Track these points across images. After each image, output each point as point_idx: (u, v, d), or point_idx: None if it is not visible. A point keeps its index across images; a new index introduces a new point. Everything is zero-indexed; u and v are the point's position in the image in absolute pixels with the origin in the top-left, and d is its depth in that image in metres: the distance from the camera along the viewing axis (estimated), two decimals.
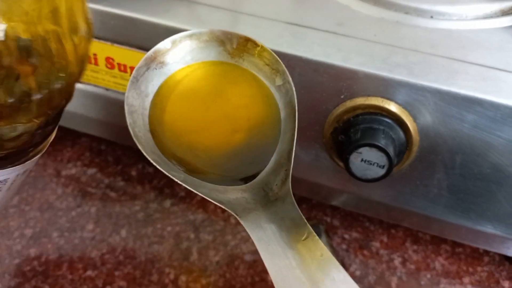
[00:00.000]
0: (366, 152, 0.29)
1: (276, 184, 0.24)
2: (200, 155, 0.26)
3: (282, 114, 0.27)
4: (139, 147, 0.24)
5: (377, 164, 0.29)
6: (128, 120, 0.25)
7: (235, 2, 0.36)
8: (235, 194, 0.24)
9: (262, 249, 0.21)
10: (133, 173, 0.44)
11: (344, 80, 0.30)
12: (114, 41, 0.36)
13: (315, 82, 0.31)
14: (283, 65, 0.27)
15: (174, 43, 0.28)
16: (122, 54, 0.37)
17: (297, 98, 0.26)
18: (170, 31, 0.28)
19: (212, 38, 0.28)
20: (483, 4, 0.34)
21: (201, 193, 0.24)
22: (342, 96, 0.31)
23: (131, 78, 0.26)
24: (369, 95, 0.30)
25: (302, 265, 0.20)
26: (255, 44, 0.28)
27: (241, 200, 0.24)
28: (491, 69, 0.30)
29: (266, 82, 0.28)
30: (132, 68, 0.36)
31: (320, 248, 0.20)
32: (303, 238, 0.21)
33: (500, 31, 0.33)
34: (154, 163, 0.24)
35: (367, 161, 0.29)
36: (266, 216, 0.22)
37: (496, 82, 0.29)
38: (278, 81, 0.27)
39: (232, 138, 0.27)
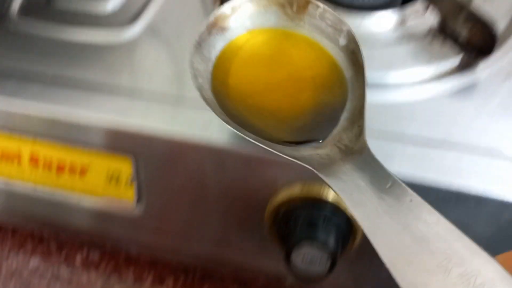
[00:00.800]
0: (306, 249, 0.25)
1: (350, 140, 0.23)
2: (267, 118, 0.25)
3: (349, 73, 0.26)
4: (210, 108, 0.24)
5: (319, 260, 0.26)
6: (195, 84, 0.24)
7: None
8: (308, 151, 0.23)
9: (346, 198, 0.19)
10: (78, 259, 0.39)
11: (278, 169, 0.28)
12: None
13: (249, 173, 0.28)
14: (348, 25, 0.26)
15: (233, 9, 0.27)
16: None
17: (233, 190, 0.26)
18: None
19: (271, 2, 0.28)
20: (418, 68, 0.30)
21: (276, 150, 0.23)
22: (277, 186, 0.28)
23: (194, 43, 0.26)
24: (306, 183, 0.27)
25: (390, 211, 0.18)
26: (317, 6, 0.27)
27: (315, 157, 0.22)
28: (430, 144, 0.27)
29: (330, 43, 0.27)
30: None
31: (409, 194, 0.19)
32: (388, 186, 0.20)
33: (438, 97, 0.29)
34: (225, 123, 0.23)
35: (308, 258, 0.26)
36: (345, 169, 0.21)
37: (435, 160, 0.26)
38: (342, 41, 0.26)
39: (299, 99, 0.25)
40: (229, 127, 0.23)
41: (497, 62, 0.31)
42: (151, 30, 0.34)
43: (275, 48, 0.27)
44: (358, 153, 0.22)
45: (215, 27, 0.27)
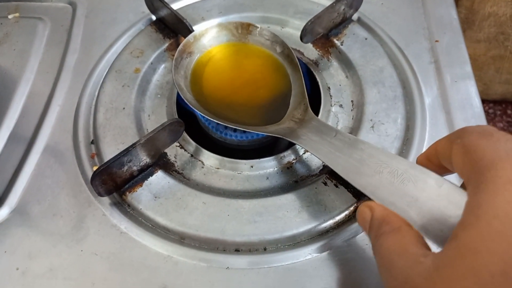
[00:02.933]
0: None
1: (301, 114, 0.33)
2: (239, 111, 0.34)
3: (288, 70, 0.36)
4: (198, 112, 0.32)
5: None
6: (181, 93, 0.33)
7: None
8: (273, 127, 0.33)
9: (309, 148, 0.30)
10: None
11: None
12: None
13: None
14: (280, 37, 0.37)
15: (195, 37, 0.36)
16: None
17: None
18: None
19: (222, 28, 0.37)
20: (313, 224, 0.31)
21: (251, 130, 0.32)
22: None
23: (173, 66, 0.34)
24: None
25: (338, 149, 0.28)
26: (255, 27, 0.37)
27: (280, 130, 0.32)
28: None
29: (270, 51, 0.37)
30: None
31: (347, 136, 0.29)
32: (334, 135, 0.30)
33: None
34: (212, 119, 0.32)
35: None
36: (302, 132, 0.31)
37: None
38: (279, 49, 0.37)
39: (257, 94, 0.35)
40: (216, 121, 0.32)
41: None
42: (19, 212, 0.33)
43: (231, 61, 0.37)
44: (308, 121, 0.32)
45: (184, 53, 0.36)
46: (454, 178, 0.26)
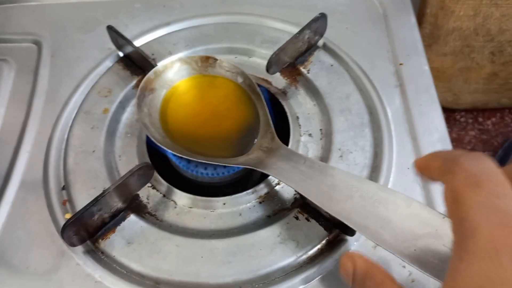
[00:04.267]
0: None
1: (268, 143, 0.33)
2: (207, 145, 0.34)
3: (254, 99, 0.36)
4: (165, 148, 0.32)
5: None
6: (148, 132, 0.33)
7: None
8: (243, 158, 0.33)
9: (280, 178, 0.30)
10: None
11: None
12: None
13: None
14: (240, 68, 0.37)
15: (156, 73, 0.36)
16: None
17: None
18: None
19: (182, 63, 0.37)
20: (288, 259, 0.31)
21: (221, 163, 0.32)
22: None
23: (136, 104, 0.34)
24: None
25: (309, 176, 0.29)
26: (214, 59, 0.37)
27: (249, 160, 0.32)
28: None
29: (233, 81, 0.37)
30: None
31: (316, 163, 0.30)
32: (303, 162, 0.30)
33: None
34: (181, 155, 0.32)
35: None
36: (272, 161, 0.31)
37: None
38: (240, 79, 0.37)
39: (224, 125, 0.35)
40: (185, 156, 0.32)
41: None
42: None
43: (194, 95, 0.37)
44: (276, 150, 0.32)
45: (146, 90, 0.36)
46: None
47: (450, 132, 0.55)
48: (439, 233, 0.23)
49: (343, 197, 0.27)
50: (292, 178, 0.30)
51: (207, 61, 0.37)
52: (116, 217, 0.33)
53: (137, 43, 0.43)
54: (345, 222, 0.26)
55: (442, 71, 0.51)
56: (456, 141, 0.54)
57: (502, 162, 0.51)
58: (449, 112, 0.56)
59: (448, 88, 0.53)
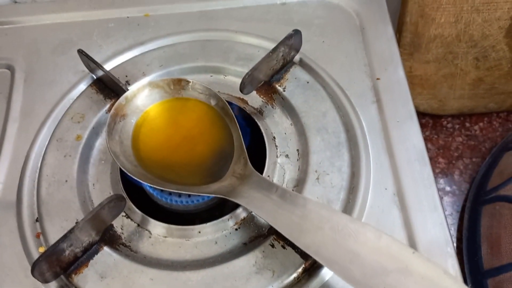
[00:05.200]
0: None
1: (241, 169, 0.33)
2: (180, 171, 0.34)
3: (227, 122, 0.36)
4: (135, 177, 0.31)
5: None
6: (118, 162, 0.32)
7: None
8: (216, 186, 0.32)
9: (251, 207, 0.29)
10: None
11: None
12: None
13: None
14: (213, 90, 0.36)
15: (127, 98, 0.35)
16: None
17: None
18: None
19: (153, 87, 0.36)
20: None
21: (193, 192, 0.32)
22: None
23: (106, 133, 0.33)
24: None
25: (280, 205, 0.28)
26: (187, 81, 0.36)
27: (222, 188, 0.32)
28: None
29: (206, 103, 0.37)
30: None
31: (288, 192, 0.29)
32: (275, 191, 0.30)
33: None
34: (152, 185, 0.31)
35: None
36: (244, 189, 0.31)
37: None
38: (213, 102, 0.36)
39: (197, 151, 0.35)
40: (156, 187, 0.31)
41: None
42: None
43: (166, 119, 0.36)
44: (249, 177, 0.32)
45: (117, 116, 0.35)
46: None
47: (436, 139, 0.54)
48: (409, 269, 0.23)
49: (313, 228, 0.26)
50: (263, 208, 0.29)
51: (180, 83, 0.37)
52: (89, 251, 0.32)
53: (111, 64, 0.43)
54: (315, 258, 0.25)
55: (426, 79, 0.50)
56: (443, 148, 0.53)
57: (490, 168, 0.50)
58: (435, 118, 0.55)
59: (433, 95, 0.52)
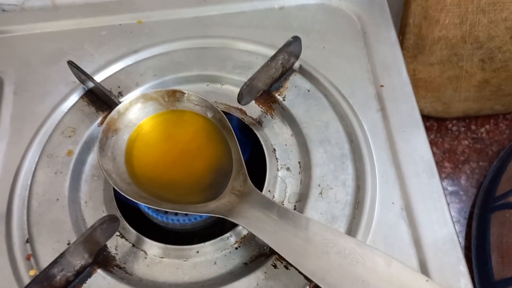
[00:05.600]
0: None
1: (240, 186, 0.31)
2: (176, 189, 0.32)
3: (225, 134, 0.34)
4: (129, 197, 0.30)
5: None
6: (110, 181, 0.30)
7: None
8: (214, 204, 0.31)
9: (251, 229, 0.27)
10: None
11: None
12: None
13: None
14: (209, 101, 0.34)
15: (119, 112, 0.34)
16: None
17: None
18: None
19: (147, 99, 0.35)
20: None
21: (190, 211, 0.30)
22: None
23: (98, 149, 0.32)
24: None
25: (282, 227, 0.27)
26: (182, 92, 0.35)
27: (220, 206, 0.30)
28: None
29: (202, 115, 0.35)
30: None
31: (291, 212, 0.27)
32: (276, 211, 0.28)
33: None
34: (147, 204, 0.30)
35: None
36: (244, 208, 0.29)
37: None
38: (210, 114, 0.35)
39: (194, 166, 0.33)
40: (151, 206, 0.30)
41: None
42: None
43: (161, 132, 0.34)
44: (249, 194, 0.30)
45: (109, 131, 0.33)
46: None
47: (442, 143, 0.53)
48: None
49: (318, 253, 0.25)
50: (265, 229, 0.27)
51: (174, 95, 0.35)
52: (82, 274, 0.30)
53: (103, 74, 0.41)
54: (320, 285, 0.23)
55: (430, 81, 0.49)
56: (449, 152, 0.52)
57: (498, 173, 0.48)
58: (440, 121, 0.53)
59: (437, 97, 0.50)
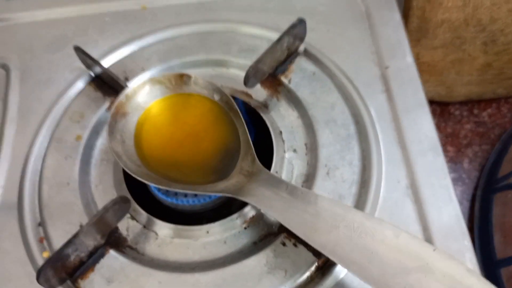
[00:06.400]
0: None
1: (249, 166, 0.31)
2: (185, 169, 0.33)
3: (232, 117, 0.34)
4: (139, 178, 0.30)
5: None
6: (121, 163, 0.31)
7: None
8: (224, 184, 0.31)
9: (261, 206, 0.28)
10: None
11: None
12: None
13: None
14: (216, 84, 0.35)
15: (127, 96, 0.34)
16: None
17: None
18: None
19: (154, 83, 0.35)
20: None
21: (200, 192, 0.31)
22: None
23: (107, 132, 0.32)
24: None
25: (292, 204, 0.27)
26: (188, 76, 0.35)
27: (230, 186, 0.31)
28: None
29: (210, 98, 0.35)
30: None
31: (299, 189, 0.28)
32: (285, 188, 0.28)
33: None
34: (157, 185, 0.30)
35: None
36: (253, 187, 0.30)
37: None
38: (216, 97, 0.35)
39: (202, 147, 0.33)
40: (160, 186, 0.30)
41: None
42: None
43: (169, 115, 0.35)
44: (257, 174, 0.30)
45: (118, 114, 0.33)
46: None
47: (444, 127, 0.53)
48: (430, 267, 0.22)
49: (328, 227, 0.25)
50: (274, 206, 0.28)
51: (181, 79, 0.35)
52: (95, 255, 0.31)
53: (109, 60, 0.41)
54: (330, 257, 0.24)
55: (433, 65, 0.49)
56: (452, 136, 0.52)
57: (500, 156, 0.49)
58: (443, 106, 0.54)
59: (440, 81, 0.51)
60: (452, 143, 0.52)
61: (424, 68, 0.49)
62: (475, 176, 0.50)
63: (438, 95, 0.52)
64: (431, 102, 0.54)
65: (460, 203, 0.49)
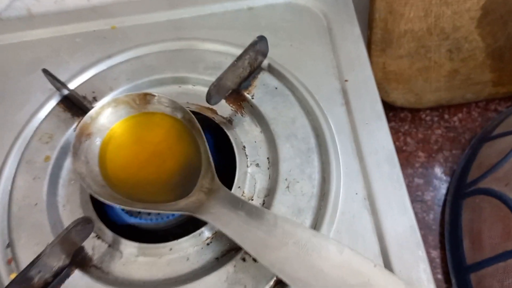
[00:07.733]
0: None
1: (209, 183, 0.32)
2: (149, 188, 0.33)
3: (195, 135, 0.35)
4: (102, 199, 0.31)
5: None
6: (83, 185, 0.32)
7: None
8: (184, 202, 0.32)
9: (217, 224, 0.29)
10: None
11: None
12: None
13: None
14: (179, 103, 0.35)
15: (91, 117, 0.35)
16: None
17: None
18: None
19: (118, 103, 0.36)
20: None
21: (161, 210, 0.31)
22: None
23: (71, 153, 0.33)
24: None
25: (245, 221, 0.28)
26: (152, 95, 0.36)
27: (190, 204, 0.31)
28: None
29: (173, 117, 0.36)
30: None
31: (253, 206, 0.29)
32: (240, 206, 0.29)
33: None
34: (120, 205, 0.31)
35: None
36: (211, 204, 0.30)
37: None
38: (179, 115, 0.36)
39: (165, 166, 0.34)
40: (123, 207, 0.31)
41: None
42: None
43: (133, 135, 0.36)
44: (216, 191, 0.31)
45: (82, 136, 0.34)
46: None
47: (416, 133, 0.54)
48: (371, 283, 0.22)
49: (278, 243, 0.26)
50: (230, 224, 0.29)
51: (145, 98, 0.36)
52: (60, 275, 0.32)
53: (79, 80, 0.42)
54: (279, 276, 0.25)
55: (400, 74, 0.50)
56: (423, 142, 0.53)
57: (470, 160, 0.50)
58: (414, 112, 0.55)
59: (409, 89, 0.52)
60: (423, 148, 0.52)
61: (391, 77, 0.50)
62: (446, 181, 0.50)
63: (408, 102, 0.53)
64: (403, 109, 0.55)
65: (432, 208, 0.49)
